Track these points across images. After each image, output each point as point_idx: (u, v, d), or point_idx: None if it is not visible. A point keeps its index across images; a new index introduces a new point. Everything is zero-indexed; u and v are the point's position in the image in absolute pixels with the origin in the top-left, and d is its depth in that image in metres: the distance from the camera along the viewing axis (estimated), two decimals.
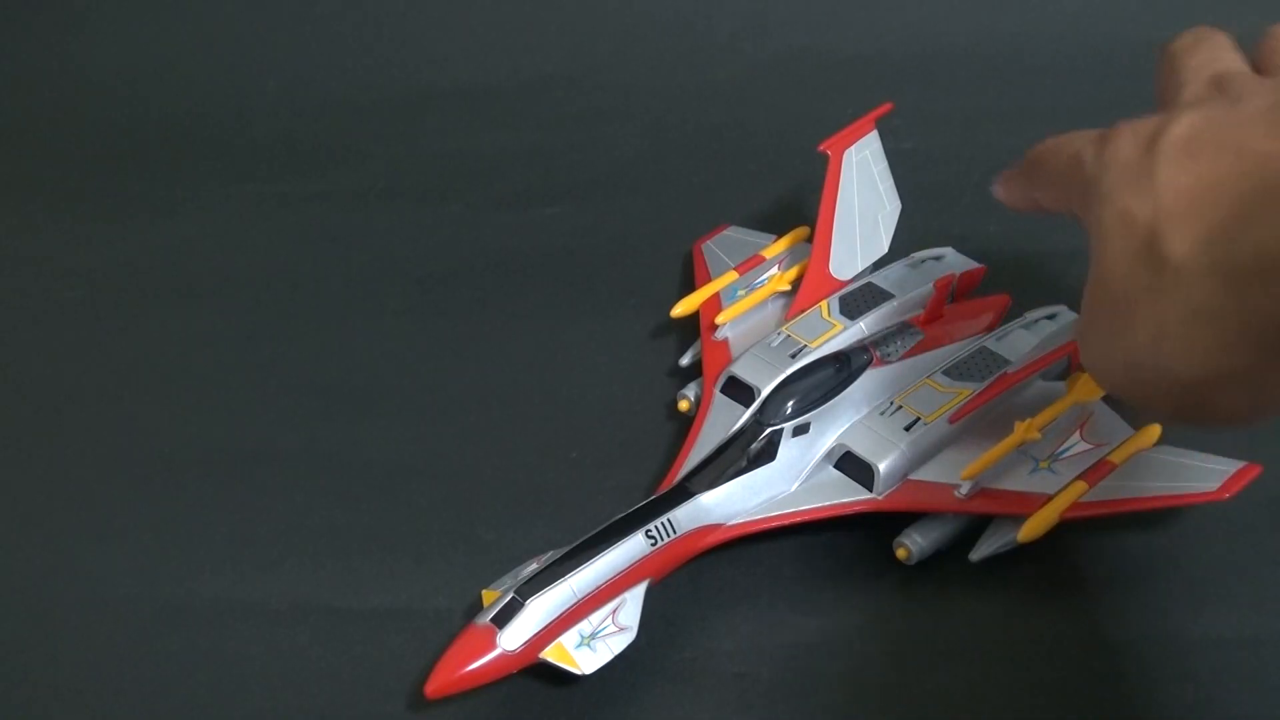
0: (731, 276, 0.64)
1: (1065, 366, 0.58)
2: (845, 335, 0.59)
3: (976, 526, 0.54)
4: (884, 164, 0.64)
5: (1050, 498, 0.52)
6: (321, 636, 0.54)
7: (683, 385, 0.61)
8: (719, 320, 0.61)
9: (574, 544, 0.50)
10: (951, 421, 0.55)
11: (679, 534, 0.52)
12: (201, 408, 0.64)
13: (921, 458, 0.54)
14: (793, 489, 0.55)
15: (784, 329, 0.59)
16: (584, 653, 0.49)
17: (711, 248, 0.68)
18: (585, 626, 0.49)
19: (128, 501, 0.60)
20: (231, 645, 0.54)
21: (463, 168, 0.77)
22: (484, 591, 0.51)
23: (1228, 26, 0.43)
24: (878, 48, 0.82)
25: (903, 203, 0.64)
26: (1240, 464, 0.52)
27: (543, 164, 0.77)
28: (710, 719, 0.50)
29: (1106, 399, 0.56)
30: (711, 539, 0.53)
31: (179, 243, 0.74)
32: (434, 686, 0.47)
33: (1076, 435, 0.55)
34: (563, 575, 0.49)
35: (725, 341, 0.61)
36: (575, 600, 0.49)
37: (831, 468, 0.55)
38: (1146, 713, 0.50)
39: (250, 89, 0.83)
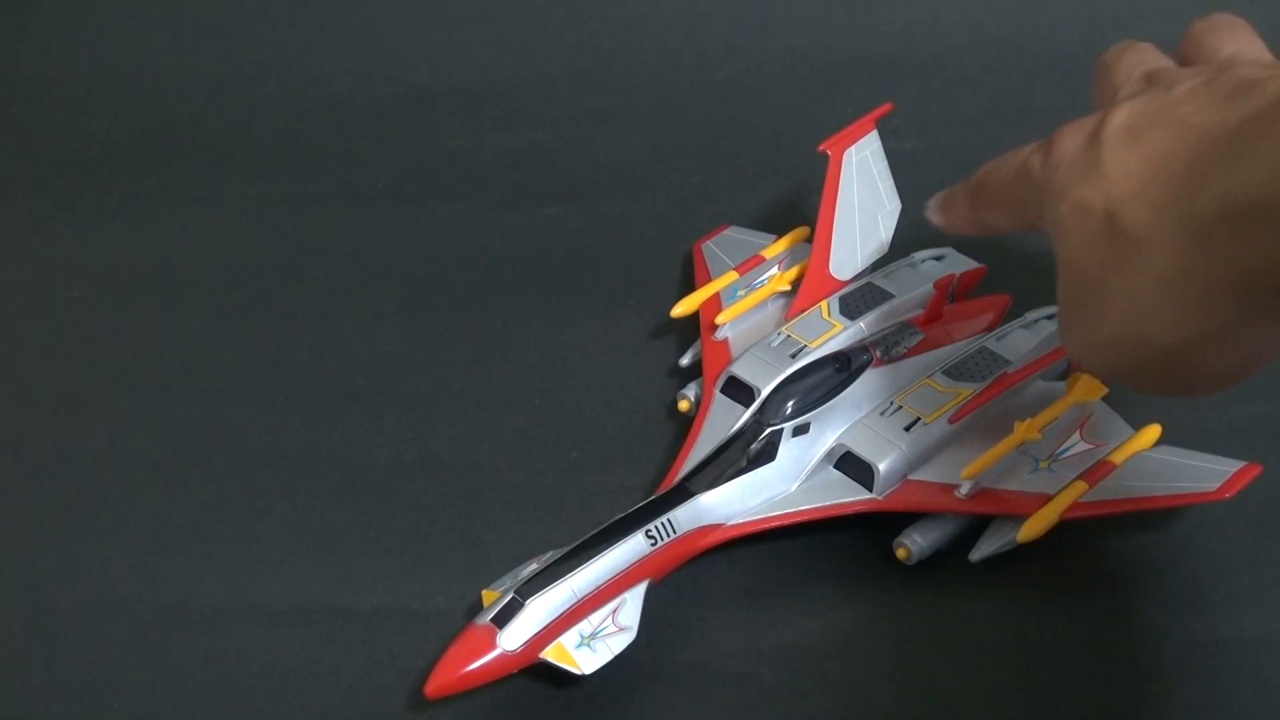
0: (731, 276, 0.64)
1: (1065, 366, 0.58)
2: (845, 335, 0.59)
3: (976, 526, 0.54)
4: (884, 164, 0.64)
5: (1050, 498, 0.52)
6: (321, 636, 0.54)
7: (683, 385, 0.61)
8: (719, 320, 0.61)
9: (574, 544, 0.50)
10: (951, 422, 0.55)
11: (679, 534, 0.52)
12: (202, 408, 0.64)
13: (921, 458, 0.54)
14: (793, 489, 0.55)
15: (784, 329, 0.59)
16: (584, 653, 0.49)
17: (711, 248, 0.68)
18: (585, 626, 0.49)
19: (128, 501, 0.60)
20: (231, 645, 0.54)
21: (463, 168, 0.77)
22: (484, 591, 0.51)
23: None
24: (878, 48, 0.82)
25: (903, 203, 0.64)
26: (1240, 464, 0.53)
27: (543, 164, 0.77)
28: (710, 719, 0.50)
29: (1106, 399, 0.56)
30: (711, 539, 0.53)
31: (179, 243, 0.74)
32: (434, 686, 0.47)
33: (1076, 435, 0.55)
34: (563, 575, 0.49)
35: (725, 341, 0.61)
36: (575, 600, 0.49)
37: (831, 468, 0.55)
38: (1147, 713, 0.50)
39: (250, 89, 0.83)
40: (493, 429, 0.62)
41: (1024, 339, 0.58)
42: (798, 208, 0.71)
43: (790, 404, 0.55)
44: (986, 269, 0.64)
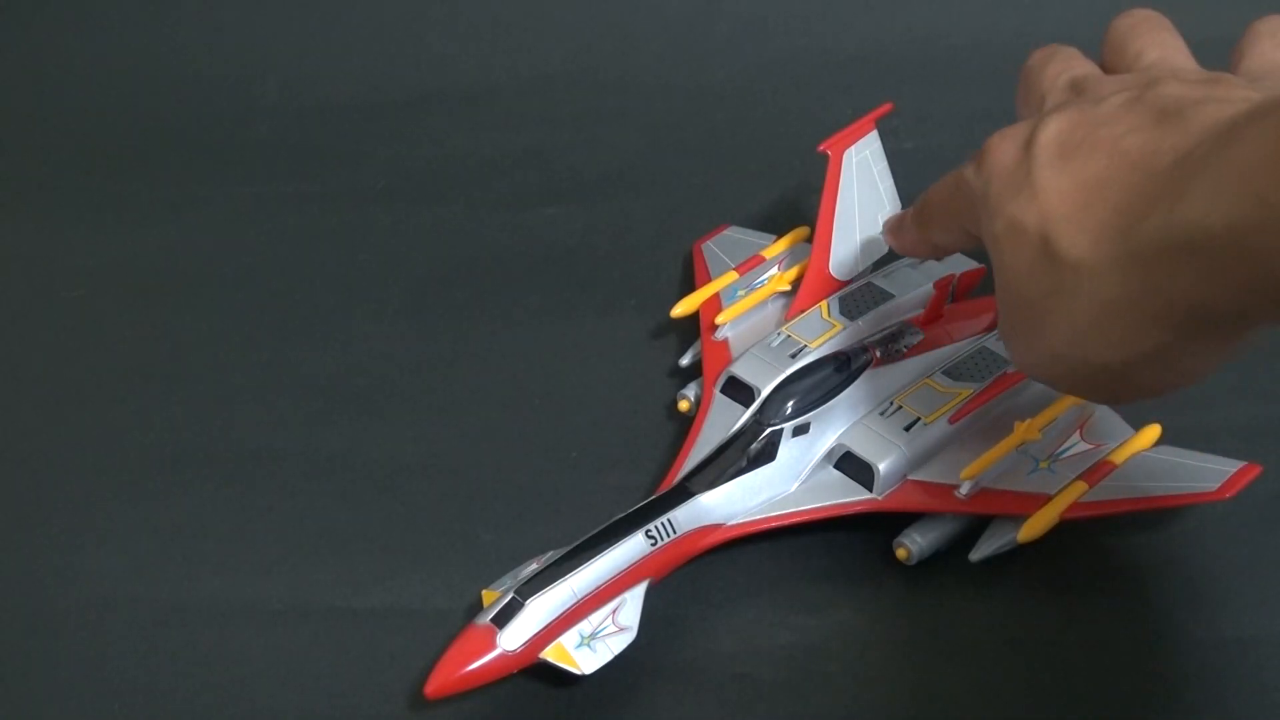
0: (731, 276, 0.64)
1: None
2: (845, 335, 0.59)
3: (976, 526, 0.54)
4: (884, 164, 0.64)
5: (1050, 498, 0.52)
6: (321, 636, 0.54)
7: (683, 385, 0.61)
8: (719, 320, 0.61)
9: (574, 544, 0.50)
10: (951, 422, 0.55)
11: (679, 534, 0.52)
12: (201, 408, 0.64)
13: (921, 458, 0.54)
14: (793, 489, 0.55)
15: (784, 329, 0.59)
16: (584, 653, 0.49)
17: (711, 248, 0.68)
18: (585, 626, 0.49)
19: (128, 501, 0.60)
20: (231, 645, 0.54)
21: (463, 168, 0.77)
22: (484, 591, 0.51)
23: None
24: (878, 48, 0.82)
25: (903, 203, 0.64)
26: (1240, 464, 0.52)
27: (543, 164, 0.77)
28: (710, 719, 0.50)
29: None
30: (711, 539, 0.53)
31: (179, 243, 0.74)
32: (434, 686, 0.47)
33: (1076, 435, 0.55)
34: (563, 575, 0.49)
35: (725, 341, 0.61)
36: (575, 600, 0.49)
37: (831, 468, 0.55)
38: (1147, 713, 0.50)
39: (251, 89, 0.83)
40: (493, 429, 0.62)
41: None
42: (798, 208, 0.71)
43: (790, 404, 0.55)
44: (986, 269, 0.64)
